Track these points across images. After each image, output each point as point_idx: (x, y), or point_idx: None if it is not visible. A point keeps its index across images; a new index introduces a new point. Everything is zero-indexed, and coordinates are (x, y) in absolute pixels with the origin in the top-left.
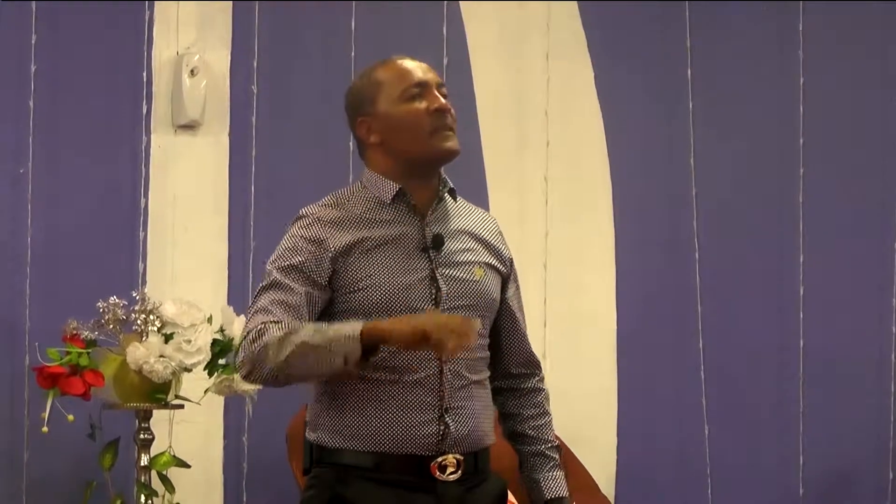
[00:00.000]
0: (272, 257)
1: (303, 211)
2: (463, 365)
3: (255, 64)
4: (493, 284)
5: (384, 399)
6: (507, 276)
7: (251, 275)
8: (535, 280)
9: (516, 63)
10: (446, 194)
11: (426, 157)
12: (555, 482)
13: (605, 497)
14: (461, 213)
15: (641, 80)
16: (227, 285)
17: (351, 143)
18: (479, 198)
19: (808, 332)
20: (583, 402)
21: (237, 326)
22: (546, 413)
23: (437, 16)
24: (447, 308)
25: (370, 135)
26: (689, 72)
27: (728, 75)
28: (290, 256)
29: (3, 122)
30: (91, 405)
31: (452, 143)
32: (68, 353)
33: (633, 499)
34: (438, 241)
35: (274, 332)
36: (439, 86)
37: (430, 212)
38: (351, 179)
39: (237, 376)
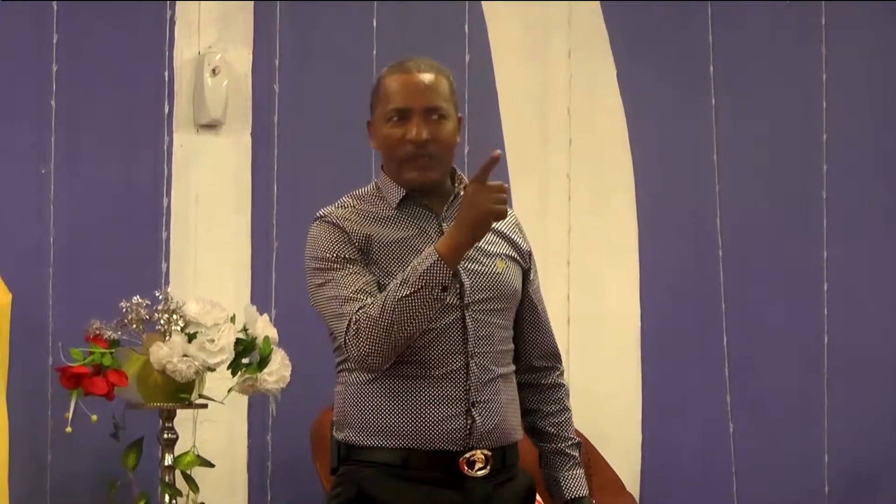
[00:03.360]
0: (311, 264)
1: (321, 212)
2: (489, 358)
3: (277, 63)
4: (514, 276)
5: (411, 394)
6: (527, 269)
7: (274, 273)
8: (558, 277)
9: (539, 61)
10: (462, 191)
11: (398, 181)
12: (575, 481)
13: (630, 495)
14: None
15: (664, 77)
16: (249, 284)
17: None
18: None
19: (833, 328)
20: (607, 400)
21: (260, 325)
22: (566, 409)
23: (459, 14)
24: (470, 301)
25: (371, 139)
26: (711, 69)
27: (750, 72)
28: (325, 250)
29: (24, 122)
30: (114, 405)
31: (418, 175)
32: (91, 353)
33: (658, 496)
34: None
35: (368, 313)
36: (428, 110)
37: (444, 208)
38: (373, 177)
39: (260, 375)
